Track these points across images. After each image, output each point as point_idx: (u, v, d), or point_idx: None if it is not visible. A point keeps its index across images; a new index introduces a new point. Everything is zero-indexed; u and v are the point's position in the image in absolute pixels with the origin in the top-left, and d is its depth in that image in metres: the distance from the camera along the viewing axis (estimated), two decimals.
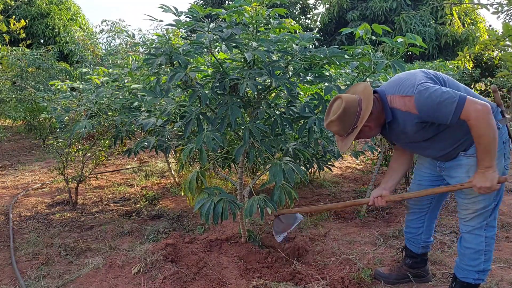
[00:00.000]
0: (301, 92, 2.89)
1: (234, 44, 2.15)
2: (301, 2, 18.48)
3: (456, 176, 1.92)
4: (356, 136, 1.87)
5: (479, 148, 1.74)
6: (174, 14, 2.24)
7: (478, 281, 1.99)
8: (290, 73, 2.40)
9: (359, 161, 5.76)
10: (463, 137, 1.83)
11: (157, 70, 2.42)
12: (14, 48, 7.46)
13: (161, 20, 2.78)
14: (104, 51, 8.12)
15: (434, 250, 2.71)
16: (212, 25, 2.25)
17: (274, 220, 2.64)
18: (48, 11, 12.63)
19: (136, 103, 3.07)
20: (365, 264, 2.50)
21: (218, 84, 2.27)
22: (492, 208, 1.89)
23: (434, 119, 1.74)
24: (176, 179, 4.65)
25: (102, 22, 8.42)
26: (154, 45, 2.48)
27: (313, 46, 2.49)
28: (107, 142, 3.78)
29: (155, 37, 2.85)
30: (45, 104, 3.74)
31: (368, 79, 2.43)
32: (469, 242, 1.95)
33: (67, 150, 3.67)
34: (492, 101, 1.92)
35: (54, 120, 5.25)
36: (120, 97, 3.28)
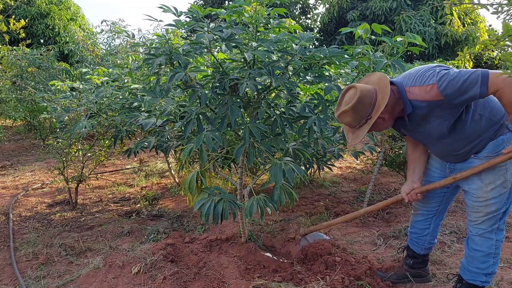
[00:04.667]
0: (301, 92, 2.89)
1: (234, 44, 2.15)
2: (301, 2, 18.47)
3: (467, 179, 1.89)
4: (369, 129, 1.81)
5: None
6: (174, 14, 2.23)
7: (485, 283, 1.99)
8: (290, 73, 2.39)
9: (359, 161, 5.77)
10: (476, 138, 1.81)
11: (157, 70, 2.42)
12: (14, 48, 7.46)
13: (161, 20, 2.78)
14: (104, 51, 8.12)
15: (434, 250, 2.71)
16: (212, 25, 2.24)
17: (300, 240, 2.65)
18: (48, 11, 12.62)
19: (136, 103, 3.07)
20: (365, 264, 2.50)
21: (218, 84, 2.27)
22: (503, 211, 1.88)
23: (461, 99, 1.67)
24: (176, 179, 4.65)
25: (102, 22, 8.43)
26: (154, 45, 2.48)
27: (313, 46, 2.48)
28: (107, 142, 3.78)
29: (155, 37, 2.85)
30: (45, 104, 3.74)
31: None
32: (479, 245, 1.94)
33: (67, 150, 3.67)
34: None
35: (54, 120, 5.25)
36: (120, 97, 3.28)
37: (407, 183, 2.10)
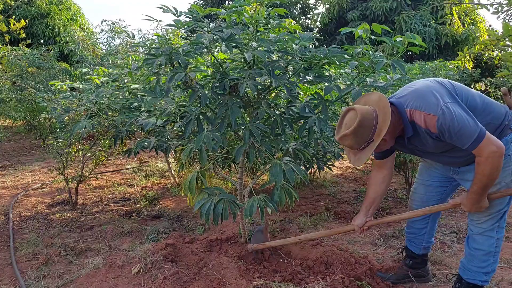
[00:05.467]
0: (301, 92, 2.89)
1: (234, 44, 2.15)
2: (301, 2, 18.47)
3: (472, 180, 1.87)
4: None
5: (478, 183, 1.72)
6: (174, 14, 2.23)
7: (484, 283, 1.99)
8: (290, 73, 2.39)
9: None
10: None
11: (157, 70, 2.42)
12: (14, 48, 7.45)
13: (160, 21, 2.77)
14: (104, 51, 8.12)
15: (434, 250, 2.71)
16: (212, 25, 2.24)
17: (253, 252, 2.62)
18: (48, 11, 12.62)
19: (136, 103, 3.07)
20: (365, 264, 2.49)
21: (218, 84, 2.27)
22: (504, 211, 1.89)
23: (450, 141, 1.71)
24: (176, 179, 4.65)
25: (102, 22, 8.43)
26: (154, 46, 2.48)
27: (313, 46, 2.48)
28: (107, 142, 3.78)
29: (155, 37, 2.85)
30: (45, 104, 3.74)
31: (368, 79, 2.43)
32: (480, 243, 1.94)
33: (67, 150, 3.67)
34: (503, 103, 1.91)
35: (54, 120, 5.25)
36: (120, 97, 3.28)
37: (360, 218, 2.15)
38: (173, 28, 2.32)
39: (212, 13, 2.30)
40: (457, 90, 1.79)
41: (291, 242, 2.56)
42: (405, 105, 1.77)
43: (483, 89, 5.92)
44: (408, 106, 1.76)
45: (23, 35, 8.00)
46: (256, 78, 2.23)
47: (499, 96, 5.66)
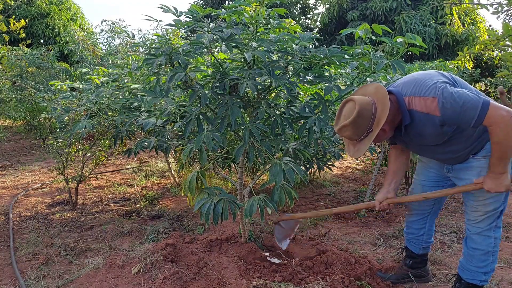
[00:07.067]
0: (301, 92, 2.89)
1: (234, 44, 2.15)
2: (301, 2, 18.47)
3: (466, 178, 1.88)
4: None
5: (495, 154, 1.69)
6: (174, 14, 2.24)
7: (484, 282, 1.99)
8: (290, 73, 2.40)
9: (359, 161, 5.77)
10: (475, 141, 1.80)
11: (157, 70, 2.42)
12: (14, 48, 7.45)
13: (160, 20, 2.77)
14: (104, 51, 8.12)
15: (434, 250, 2.71)
16: (212, 25, 2.25)
17: (274, 227, 2.63)
18: (48, 11, 12.62)
19: (136, 103, 3.07)
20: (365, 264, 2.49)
21: (218, 84, 2.27)
22: (501, 210, 1.89)
23: (457, 121, 1.68)
24: (176, 179, 4.65)
25: (102, 22, 8.43)
26: (154, 45, 2.48)
27: (313, 46, 2.48)
28: (107, 142, 3.78)
29: (155, 37, 2.85)
30: (45, 104, 3.74)
31: (368, 79, 2.43)
32: (478, 243, 1.94)
33: (67, 150, 3.67)
34: (501, 103, 1.91)
35: (54, 120, 5.25)
36: (120, 97, 3.28)
37: (382, 192, 2.12)
38: (173, 28, 2.32)
39: (213, 13, 2.30)
40: (457, 81, 1.79)
41: (312, 215, 2.54)
42: (404, 93, 1.77)
43: (483, 89, 5.92)
44: (406, 93, 1.76)
45: (23, 35, 7.99)
46: (256, 78, 2.23)
47: (499, 96, 5.66)
